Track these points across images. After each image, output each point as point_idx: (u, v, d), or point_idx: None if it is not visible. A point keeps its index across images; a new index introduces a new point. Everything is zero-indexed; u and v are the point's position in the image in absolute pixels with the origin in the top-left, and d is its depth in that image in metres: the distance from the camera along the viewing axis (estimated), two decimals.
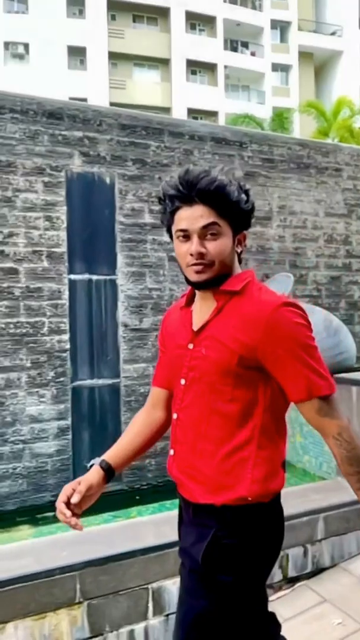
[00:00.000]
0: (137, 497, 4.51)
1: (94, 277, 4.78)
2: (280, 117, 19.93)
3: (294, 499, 2.75)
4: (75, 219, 4.69)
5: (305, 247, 5.86)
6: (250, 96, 28.26)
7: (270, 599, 2.46)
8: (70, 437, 4.60)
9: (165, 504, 3.96)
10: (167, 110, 24.59)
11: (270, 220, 5.65)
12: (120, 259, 4.90)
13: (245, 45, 28.60)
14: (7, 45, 23.65)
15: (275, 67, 28.68)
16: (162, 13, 26.09)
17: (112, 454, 1.45)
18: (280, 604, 2.44)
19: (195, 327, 1.32)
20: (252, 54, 28.54)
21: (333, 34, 30.19)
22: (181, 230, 1.25)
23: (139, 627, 2.17)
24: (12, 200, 4.47)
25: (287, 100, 27.01)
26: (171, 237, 1.32)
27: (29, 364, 4.49)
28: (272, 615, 1.44)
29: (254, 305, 1.24)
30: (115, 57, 25.20)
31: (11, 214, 4.46)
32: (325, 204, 6.00)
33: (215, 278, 1.26)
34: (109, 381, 4.81)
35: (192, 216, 1.23)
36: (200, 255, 1.23)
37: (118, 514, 4.06)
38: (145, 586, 2.19)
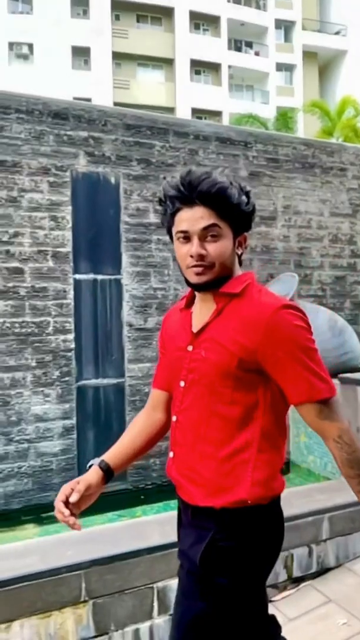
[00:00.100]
0: (142, 497, 4.51)
1: (99, 277, 4.79)
2: (285, 117, 19.89)
3: (299, 499, 2.75)
4: (81, 218, 4.70)
5: (310, 247, 5.86)
6: (254, 96, 28.25)
7: (274, 598, 2.47)
8: (75, 436, 4.61)
9: (170, 504, 3.96)
10: (171, 110, 24.58)
11: (275, 220, 5.64)
12: (125, 259, 4.90)
13: (249, 45, 28.58)
14: (11, 45, 23.70)
15: (280, 67, 28.64)
16: (166, 13, 26.10)
17: (112, 455, 1.45)
18: (285, 604, 2.44)
19: (195, 329, 1.32)
20: (256, 53, 28.52)
21: (337, 33, 30.12)
22: (181, 232, 1.25)
23: (144, 626, 2.18)
24: (17, 200, 4.48)
25: (291, 100, 26.98)
26: (171, 238, 1.31)
27: (34, 364, 4.50)
28: (272, 618, 1.43)
29: (253, 307, 1.24)
30: (119, 57, 25.22)
31: (17, 214, 4.47)
32: (330, 204, 5.99)
33: (215, 280, 1.26)
34: (114, 381, 4.82)
35: (193, 218, 1.23)
36: (201, 257, 1.23)
37: (123, 513, 4.07)
38: (151, 585, 2.19)
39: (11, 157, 4.46)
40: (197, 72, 27.05)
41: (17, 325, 4.45)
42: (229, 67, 27.15)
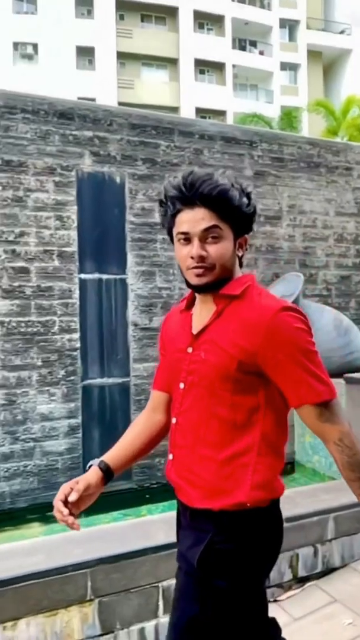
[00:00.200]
0: (147, 496, 4.52)
1: (104, 277, 4.80)
2: (289, 116, 19.85)
3: (304, 499, 2.74)
4: (86, 218, 4.71)
5: (315, 246, 5.85)
6: (259, 95, 28.20)
7: (280, 598, 2.47)
8: (80, 435, 4.63)
9: (175, 503, 3.97)
10: (175, 109, 24.58)
11: (280, 219, 5.64)
12: (130, 258, 4.91)
13: (253, 44, 28.53)
14: (16, 45, 23.75)
15: (284, 66, 28.57)
16: (171, 12, 26.09)
17: (111, 456, 1.44)
18: (290, 603, 2.44)
19: (195, 331, 1.31)
20: (261, 52, 28.47)
21: (342, 32, 30.03)
22: (182, 233, 1.24)
23: (149, 625, 2.18)
24: (23, 200, 4.49)
25: (295, 99, 26.91)
26: (172, 239, 1.31)
27: (39, 363, 4.52)
28: (272, 620, 1.43)
29: (254, 309, 1.23)
30: (123, 57, 25.24)
31: (22, 214, 4.49)
32: (336, 203, 5.98)
33: (215, 281, 1.25)
34: (119, 380, 4.83)
35: (194, 219, 1.22)
36: (201, 259, 1.23)
37: (128, 512, 4.08)
38: (156, 584, 2.19)
39: (17, 157, 4.48)
40: (202, 72, 27.03)
41: (22, 324, 4.46)
42: (233, 66, 27.11)
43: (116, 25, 24.91)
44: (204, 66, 26.87)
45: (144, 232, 4.95)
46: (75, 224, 4.68)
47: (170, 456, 1.36)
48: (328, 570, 2.64)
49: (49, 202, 4.59)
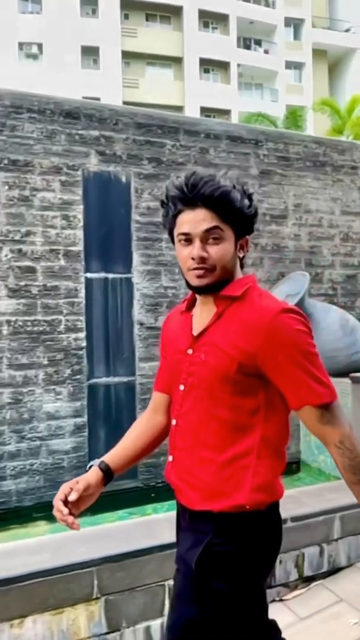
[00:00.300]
0: (153, 495, 4.53)
1: (110, 276, 4.81)
2: (294, 115, 19.80)
3: (310, 498, 2.74)
4: (92, 217, 4.72)
5: (321, 245, 5.84)
6: (264, 94, 28.12)
7: (286, 597, 2.47)
8: (86, 434, 4.64)
9: None
10: (180, 109, 24.56)
11: (285, 218, 5.63)
12: (136, 258, 4.92)
13: (258, 43, 28.44)
14: (21, 45, 23.78)
15: (289, 65, 28.48)
16: (175, 11, 26.06)
17: (112, 456, 1.44)
18: (296, 603, 2.44)
19: (195, 332, 1.30)
20: (266, 51, 28.38)
21: (347, 30, 29.91)
22: (183, 234, 1.24)
23: (155, 624, 2.18)
24: (29, 199, 4.51)
25: (300, 98, 26.83)
26: (173, 240, 1.31)
27: (45, 362, 4.53)
28: (272, 622, 1.43)
29: (254, 311, 1.22)
30: (128, 56, 25.23)
31: (29, 213, 4.50)
32: (341, 202, 5.97)
33: (216, 283, 1.25)
34: (125, 379, 4.83)
35: (195, 220, 1.22)
36: (202, 260, 1.22)
37: (134, 510, 4.09)
38: (162, 583, 2.20)
39: (23, 156, 4.49)
40: (206, 71, 26.99)
41: (29, 323, 4.48)
42: (238, 65, 27.04)
43: (121, 25, 24.91)
44: (208, 65, 26.82)
45: (150, 232, 4.96)
46: (81, 223, 4.69)
47: (170, 458, 1.36)
48: (334, 570, 2.64)
49: (55, 201, 4.60)
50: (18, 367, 4.43)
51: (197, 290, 1.29)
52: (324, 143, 6.00)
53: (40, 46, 23.90)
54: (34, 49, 24.02)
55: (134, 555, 2.17)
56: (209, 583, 1.24)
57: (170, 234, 1.31)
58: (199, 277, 1.24)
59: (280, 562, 2.45)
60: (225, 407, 1.24)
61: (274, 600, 2.42)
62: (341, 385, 3.89)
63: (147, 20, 26.30)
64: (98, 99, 19.55)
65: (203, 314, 1.31)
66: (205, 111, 24.99)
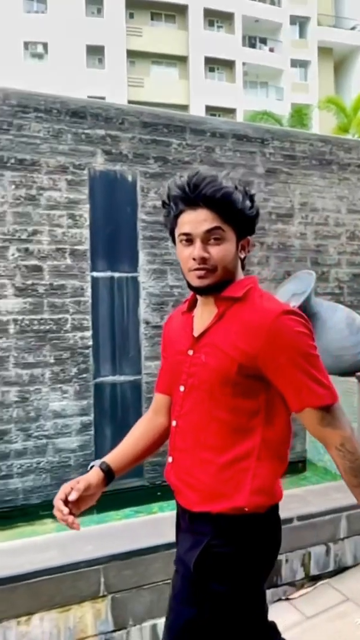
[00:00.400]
0: (159, 493, 4.53)
1: (116, 275, 4.82)
2: (299, 114, 19.72)
3: (316, 498, 2.73)
4: (98, 216, 4.73)
5: (327, 244, 5.82)
6: (269, 93, 28.06)
7: (292, 596, 2.47)
8: (92, 432, 4.65)
9: None
10: (185, 107, 24.54)
11: (291, 217, 5.62)
12: (142, 257, 4.92)
13: (263, 41, 28.38)
14: (26, 44, 23.84)
15: (294, 63, 28.40)
16: (180, 10, 26.04)
17: (113, 457, 1.43)
18: (302, 602, 2.44)
19: (196, 333, 1.30)
20: (271, 50, 28.31)
21: (353, 28, 29.78)
22: (184, 234, 1.24)
23: (161, 622, 2.17)
24: (36, 198, 4.52)
25: (306, 97, 26.75)
26: (174, 240, 1.31)
27: (52, 360, 4.55)
28: (272, 624, 1.42)
29: (255, 312, 1.22)
30: (133, 55, 25.24)
31: (35, 212, 4.52)
32: (348, 201, 5.95)
33: (217, 284, 1.24)
34: (131, 378, 4.84)
35: (196, 220, 1.21)
36: (203, 260, 1.22)
37: (140, 509, 4.10)
38: (168, 581, 2.18)
39: (30, 155, 4.50)
40: (211, 69, 26.95)
41: (35, 322, 4.49)
42: (243, 64, 27.00)
43: (126, 24, 24.92)
44: (213, 64, 26.78)
45: (156, 230, 4.96)
46: (88, 222, 4.70)
47: (170, 459, 1.36)
48: (340, 569, 2.64)
49: (62, 200, 4.61)
50: (25, 365, 4.45)
51: (198, 290, 1.29)
52: (330, 141, 5.98)
53: (45, 45, 23.96)
54: (40, 49, 24.07)
55: (140, 554, 2.17)
56: (207, 584, 1.23)
57: (172, 234, 1.31)
58: (200, 277, 1.23)
59: (287, 560, 2.45)
60: (225, 408, 1.23)
61: (280, 599, 2.42)
62: (347, 385, 3.89)
63: (152, 19, 26.30)
64: (103, 98, 19.55)
65: (204, 314, 1.31)
66: (211, 110, 24.96)
